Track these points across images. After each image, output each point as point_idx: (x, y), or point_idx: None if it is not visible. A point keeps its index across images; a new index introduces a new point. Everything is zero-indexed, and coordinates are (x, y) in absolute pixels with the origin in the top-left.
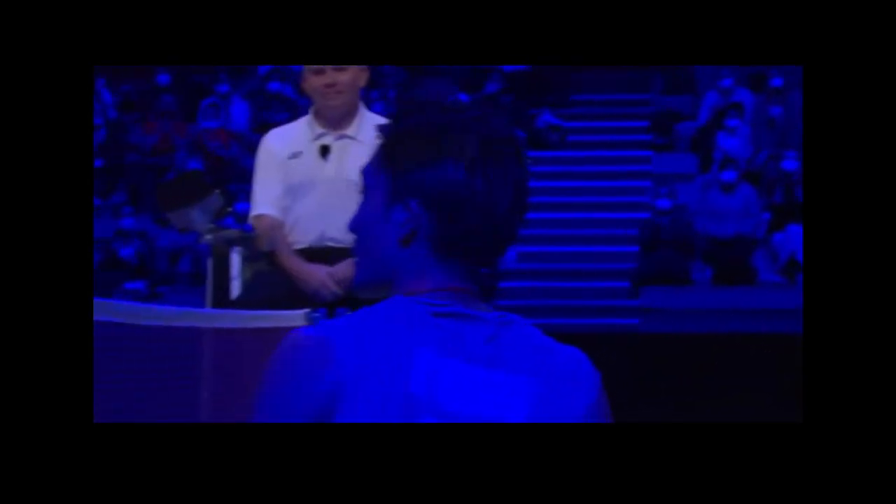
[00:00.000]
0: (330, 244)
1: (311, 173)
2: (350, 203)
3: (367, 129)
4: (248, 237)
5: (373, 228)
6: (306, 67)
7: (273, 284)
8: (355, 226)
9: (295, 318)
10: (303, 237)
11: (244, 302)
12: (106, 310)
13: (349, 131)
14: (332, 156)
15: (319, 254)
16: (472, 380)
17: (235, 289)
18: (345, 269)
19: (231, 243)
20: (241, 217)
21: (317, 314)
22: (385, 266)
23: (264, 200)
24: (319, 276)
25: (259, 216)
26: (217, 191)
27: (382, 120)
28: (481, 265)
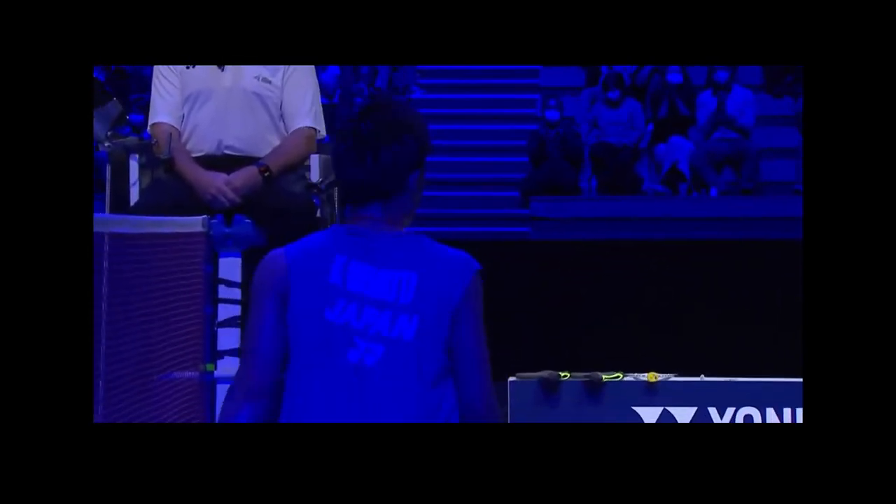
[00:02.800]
0: (228, 153)
1: (208, 82)
2: (246, 113)
3: None
4: (145, 144)
5: None
6: None
7: (171, 191)
8: None
9: (192, 224)
10: (200, 145)
11: (142, 208)
12: None
13: None
14: (229, 65)
15: (217, 162)
16: (372, 274)
17: (133, 195)
18: (242, 177)
19: (129, 151)
20: (138, 127)
21: (214, 220)
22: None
23: (162, 109)
24: (217, 183)
25: (156, 124)
26: (114, 98)
27: None
28: (366, 205)
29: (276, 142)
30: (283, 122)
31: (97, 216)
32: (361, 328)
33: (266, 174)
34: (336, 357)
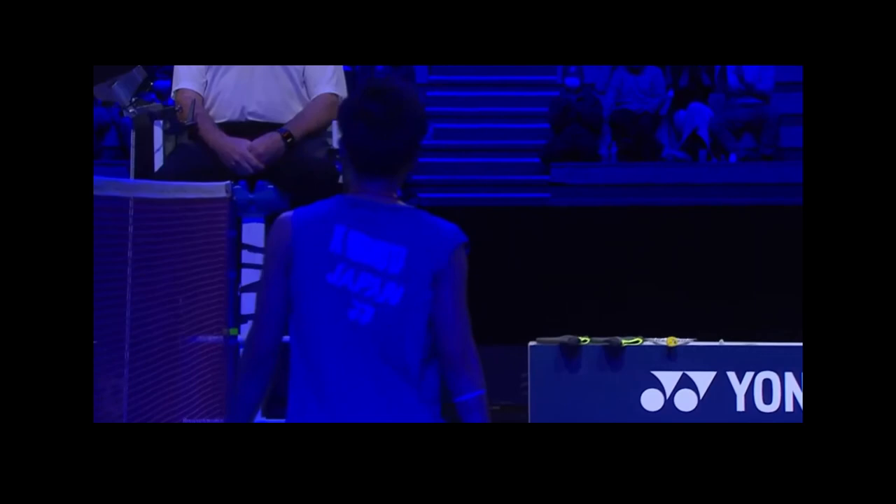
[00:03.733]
0: (251, 119)
1: None
2: (269, 79)
3: None
4: (170, 110)
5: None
6: None
7: (194, 157)
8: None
9: (216, 189)
10: (224, 112)
11: (166, 174)
12: None
13: None
14: None
15: (240, 128)
16: (369, 244)
17: (157, 161)
18: (265, 143)
19: (153, 117)
20: (162, 94)
21: (237, 186)
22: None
23: (185, 75)
24: (240, 149)
25: (180, 90)
26: (138, 65)
27: None
28: (374, 179)
29: (299, 108)
30: (306, 88)
31: (123, 181)
32: (357, 291)
33: (288, 140)
34: (337, 316)
